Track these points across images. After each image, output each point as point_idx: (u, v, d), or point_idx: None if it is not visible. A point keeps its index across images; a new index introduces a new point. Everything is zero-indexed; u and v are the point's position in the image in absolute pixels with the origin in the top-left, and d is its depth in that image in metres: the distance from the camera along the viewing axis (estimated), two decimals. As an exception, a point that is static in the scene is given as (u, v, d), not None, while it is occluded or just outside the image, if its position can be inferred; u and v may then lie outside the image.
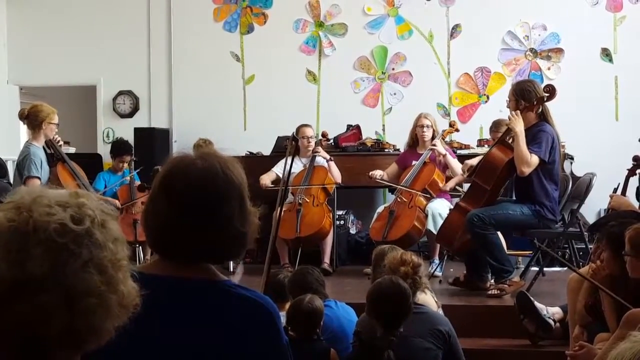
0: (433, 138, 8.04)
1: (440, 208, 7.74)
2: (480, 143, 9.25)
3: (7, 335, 1.35)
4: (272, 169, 8.47)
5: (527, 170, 6.51)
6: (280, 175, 8.41)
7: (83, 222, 1.39)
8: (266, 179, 8.30)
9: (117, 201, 7.99)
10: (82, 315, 1.36)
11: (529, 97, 6.60)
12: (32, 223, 1.36)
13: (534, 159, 6.49)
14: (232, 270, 8.13)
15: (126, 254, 1.48)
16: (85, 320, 1.37)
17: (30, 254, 1.34)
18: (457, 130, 8.52)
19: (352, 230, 9.34)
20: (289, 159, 5.30)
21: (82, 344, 1.41)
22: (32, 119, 7.06)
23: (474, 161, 7.19)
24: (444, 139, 8.26)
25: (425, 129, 8.05)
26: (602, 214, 8.29)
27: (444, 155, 7.91)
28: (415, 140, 8.22)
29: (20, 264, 1.34)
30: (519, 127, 6.49)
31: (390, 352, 3.90)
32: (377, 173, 8.16)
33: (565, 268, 7.42)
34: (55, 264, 1.34)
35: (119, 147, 8.92)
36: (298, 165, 8.47)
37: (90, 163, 9.43)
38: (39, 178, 6.89)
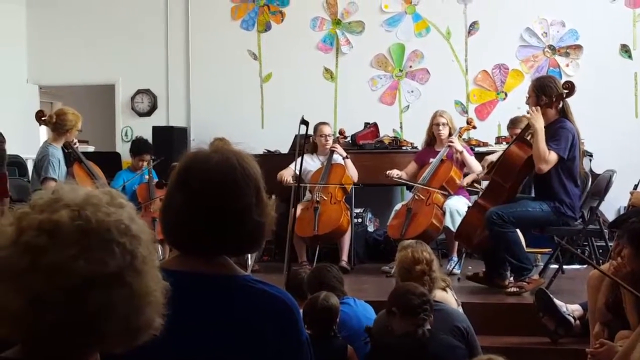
0: (450, 135, 8.01)
1: (458, 205, 7.72)
2: (499, 140, 9.21)
3: (69, 331, 1.36)
4: (290, 165, 8.46)
5: (545, 168, 6.47)
6: (298, 173, 8.43)
7: (136, 222, 1.44)
8: (286, 175, 8.31)
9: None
10: (139, 312, 1.40)
11: (550, 93, 6.56)
12: (94, 221, 1.38)
13: (552, 156, 6.45)
14: (250, 267, 8.13)
15: (153, 249, 1.50)
16: (140, 317, 1.41)
17: (111, 251, 1.37)
18: (474, 127, 8.49)
19: (370, 228, 9.33)
20: (301, 157, 5.28)
21: (134, 341, 1.44)
22: (59, 125, 7.14)
23: (494, 157, 7.16)
24: (461, 136, 8.24)
25: (441, 127, 8.04)
26: (622, 212, 8.25)
27: (461, 152, 7.89)
28: (432, 138, 8.20)
29: (102, 261, 1.36)
30: (539, 123, 6.45)
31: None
32: (394, 172, 8.15)
33: (585, 265, 7.40)
34: (129, 261, 1.39)
35: (138, 146, 8.95)
36: (316, 163, 8.48)
37: (109, 162, 9.47)
38: (55, 180, 6.93)
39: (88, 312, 1.35)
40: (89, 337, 1.38)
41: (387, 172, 8.17)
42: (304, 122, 5.96)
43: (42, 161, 6.99)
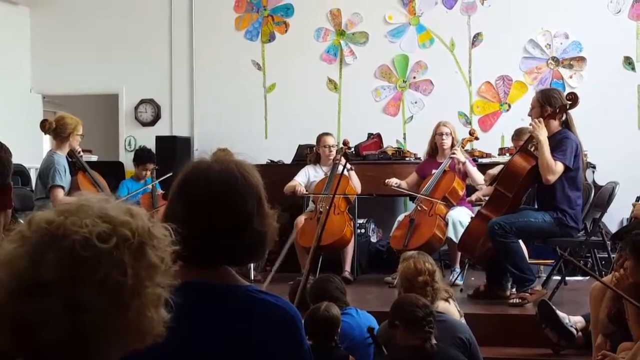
0: (452, 146, 8.02)
1: (461, 216, 7.72)
2: (502, 152, 9.21)
3: (10, 333, 1.36)
4: (295, 177, 8.47)
5: (552, 179, 6.48)
6: (303, 184, 8.45)
7: (109, 241, 1.38)
8: (298, 186, 8.32)
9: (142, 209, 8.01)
10: (78, 329, 1.35)
11: (555, 104, 6.57)
12: (62, 230, 1.37)
13: (559, 167, 6.46)
14: (253, 277, 8.13)
15: (160, 281, 1.46)
16: (81, 335, 1.36)
17: (49, 258, 1.35)
18: (476, 138, 8.49)
19: (373, 239, 9.32)
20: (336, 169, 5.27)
21: (83, 357, 1.40)
22: (59, 131, 7.15)
23: (496, 170, 7.17)
24: (463, 147, 8.24)
25: (444, 137, 8.04)
26: (625, 223, 8.25)
27: (464, 163, 7.89)
28: (434, 149, 8.21)
29: (37, 266, 1.35)
30: (542, 135, 6.46)
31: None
32: (393, 181, 8.16)
33: (588, 277, 7.39)
34: (68, 274, 1.35)
35: (142, 156, 8.96)
36: (319, 173, 8.49)
37: (112, 171, 9.48)
38: (62, 187, 6.95)
39: (24, 315, 1.34)
40: (32, 349, 1.36)
41: (386, 180, 8.18)
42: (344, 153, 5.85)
43: (47, 170, 7.00)
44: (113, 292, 1.37)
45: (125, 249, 1.39)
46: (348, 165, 8.39)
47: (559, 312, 5.70)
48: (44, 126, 7.38)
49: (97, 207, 1.43)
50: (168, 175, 8.16)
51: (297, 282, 5.02)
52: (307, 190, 8.47)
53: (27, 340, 1.35)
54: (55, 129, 7.17)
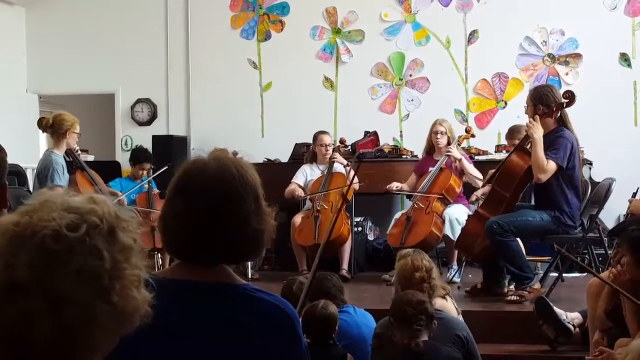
0: (448, 144, 8.02)
1: (457, 213, 7.72)
2: (498, 149, 9.21)
3: None
4: (293, 179, 8.47)
5: (543, 177, 6.48)
6: (302, 184, 8.46)
7: (79, 230, 1.37)
8: (298, 190, 8.34)
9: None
10: (66, 323, 1.34)
11: (547, 102, 6.56)
12: (30, 228, 1.35)
13: (551, 166, 6.46)
14: (250, 276, 8.13)
15: (137, 262, 1.44)
16: (69, 328, 1.35)
17: (22, 258, 1.33)
18: (472, 135, 8.47)
19: (370, 237, 9.32)
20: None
21: (71, 354, 1.38)
22: (56, 127, 7.13)
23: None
24: (459, 145, 8.23)
25: (439, 136, 8.04)
26: (622, 220, 8.25)
27: (460, 160, 7.89)
28: (432, 147, 8.21)
29: (12, 269, 1.33)
30: (538, 134, 6.45)
31: None
32: (394, 185, 8.17)
33: (585, 273, 7.40)
34: (44, 270, 1.33)
35: (139, 155, 8.94)
36: (316, 172, 8.49)
37: (109, 170, 9.46)
38: (62, 187, 6.93)
39: (7, 319, 1.33)
40: (17, 351, 1.35)
41: (387, 187, 8.19)
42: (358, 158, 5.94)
43: (45, 170, 6.97)
44: (92, 279, 1.36)
45: (96, 234, 1.38)
46: (344, 162, 8.41)
47: (556, 309, 5.70)
48: (41, 123, 7.36)
49: (60, 200, 1.41)
50: (164, 168, 8.15)
51: (290, 281, 5.01)
52: (305, 190, 8.47)
53: (15, 343, 1.34)
54: (52, 125, 7.15)
